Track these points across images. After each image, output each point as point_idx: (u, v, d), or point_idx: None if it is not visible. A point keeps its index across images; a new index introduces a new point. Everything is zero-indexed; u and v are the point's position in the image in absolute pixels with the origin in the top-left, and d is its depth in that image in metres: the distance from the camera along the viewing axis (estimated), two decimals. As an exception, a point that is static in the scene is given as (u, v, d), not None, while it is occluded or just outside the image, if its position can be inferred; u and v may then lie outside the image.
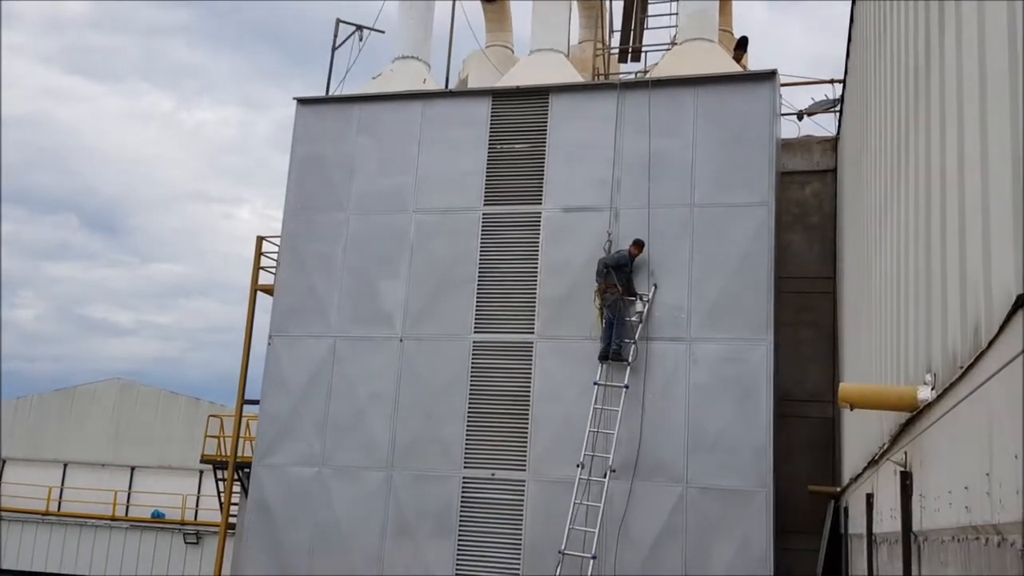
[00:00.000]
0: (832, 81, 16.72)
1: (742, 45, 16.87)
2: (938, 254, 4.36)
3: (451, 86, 15.56)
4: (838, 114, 15.80)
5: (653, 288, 12.65)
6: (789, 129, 16.71)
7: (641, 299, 12.57)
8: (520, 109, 14.01)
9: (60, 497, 32.96)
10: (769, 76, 13.12)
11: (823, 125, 17.00)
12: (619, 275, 12.47)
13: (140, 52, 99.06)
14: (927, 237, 4.75)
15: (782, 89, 14.71)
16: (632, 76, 15.68)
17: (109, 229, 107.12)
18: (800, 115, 16.98)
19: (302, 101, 15.13)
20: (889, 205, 6.76)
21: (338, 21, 16.37)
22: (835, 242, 15.27)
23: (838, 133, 15.69)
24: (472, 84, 17.55)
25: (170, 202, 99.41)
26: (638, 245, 12.65)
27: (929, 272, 4.64)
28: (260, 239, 19.87)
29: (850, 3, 12.02)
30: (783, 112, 15.58)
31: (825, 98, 16.97)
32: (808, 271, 15.47)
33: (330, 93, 15.58)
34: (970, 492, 3.43)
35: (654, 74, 14.09)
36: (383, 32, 16.52)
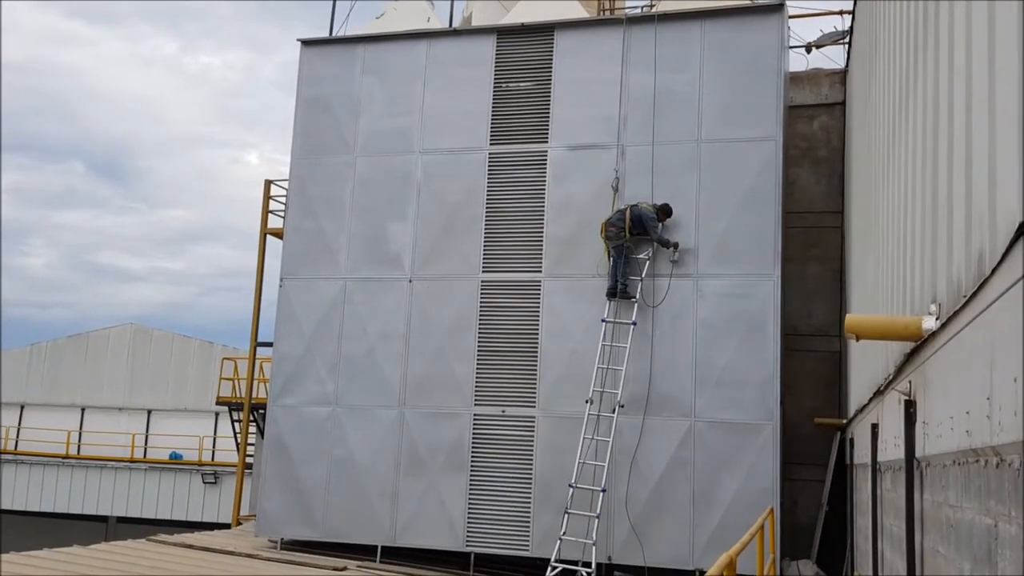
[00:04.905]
0: (841, 12, 16.44)
1: None
2: (944, 184, 4.38)
3: (455, 24, 15.35)
4: (847, 46, 15.58)
5: (676, 249, 12.50)
6: (797, 62, 16.53)
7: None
8: (525, 47, 13.86)
9: (79, 440, 33.54)
10: (777, 8, 12.93)
11: (832, 57, 16.78)
12: (641, 225, 12.37)
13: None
14: (934, 167, 4.77)
15: (790, 21, 14.50)
16: (638, 10, 15.44)
17: (117, 175, 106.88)
18: (808, 47, 16.75)
19: (306, 43, 15.00)
20: (896, 136, 6.74)
21: (340, -41, 16.09)
22: (843, 176, 15.21)
23: (847, 65, 15.48)
24: (476, 22, 17.31)
25: (178, 147, 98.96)
26: (666, 212, 12.57)
27: (935, 202, 4.66)
28: (268, 183, 19.89)
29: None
30: (791, 45, 15.38)
31: (834, 29, 16.72)
32: (815, 206, 15.44)
33: (334, 34, 15.42)
34: (971, 416, 3.52)
35: (660, 8, 13.89)
36: (385, -31, 16.25)
